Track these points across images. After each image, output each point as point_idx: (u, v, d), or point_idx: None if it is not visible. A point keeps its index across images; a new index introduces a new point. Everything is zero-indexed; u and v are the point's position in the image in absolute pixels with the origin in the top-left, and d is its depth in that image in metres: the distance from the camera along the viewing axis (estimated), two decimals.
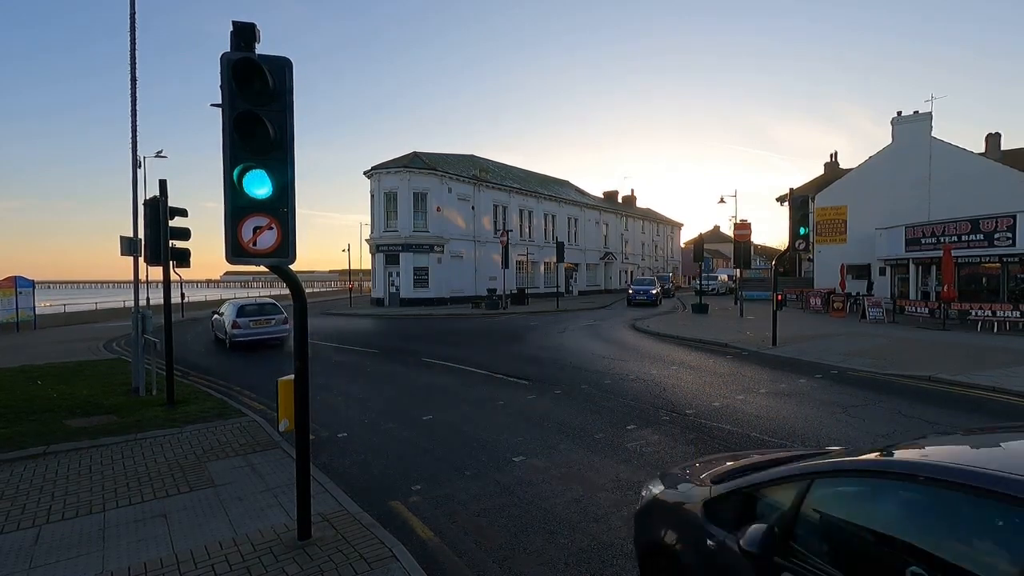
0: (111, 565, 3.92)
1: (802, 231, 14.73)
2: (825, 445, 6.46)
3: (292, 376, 4.17)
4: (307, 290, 4.70)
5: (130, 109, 9.22)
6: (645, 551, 3.24)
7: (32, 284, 26.54)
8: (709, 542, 2.64)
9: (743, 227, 26.49)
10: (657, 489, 3.30)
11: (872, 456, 2.27)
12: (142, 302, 10.90)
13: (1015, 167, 26.48)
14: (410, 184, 33.99)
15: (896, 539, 2.03)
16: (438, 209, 34.64)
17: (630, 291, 33.85)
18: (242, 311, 16.44)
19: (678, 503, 3.03)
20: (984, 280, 21.65)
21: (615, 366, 12.01)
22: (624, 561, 4.03)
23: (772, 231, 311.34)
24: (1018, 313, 17.20)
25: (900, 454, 2.21)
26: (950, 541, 1.83)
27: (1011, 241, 19.53)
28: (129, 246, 9.59)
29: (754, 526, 2.31)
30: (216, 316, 18.56)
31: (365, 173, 35.44)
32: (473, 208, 37.49)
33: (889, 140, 28.93)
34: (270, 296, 23.74)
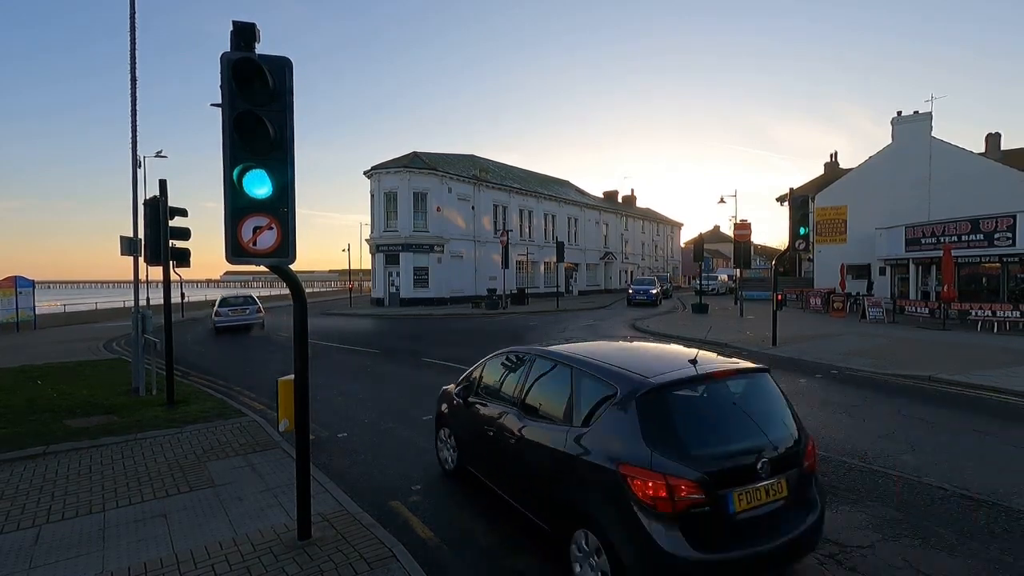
0: (111, 565, 3.93)
1: (802, 231, 14.73)
2: (825, 444, 6.48)
3: (292, 376, 4.17)
4: (307, 290, 4.71)
5: (130, 109, 9.22)
6: (437, 416, 6.11)
7: (32, 284, 26.51)
8: (455, 401, 5.52)
9: (743, 227, 26.50)
10: (445, 386, 6.22)
11: (507, 349, 5.26)
12: (142, 302, 10.89)
13: (1015, 167, 26.49)
14: (410, 184, 33.98)
15: (511, 382, 4.77)
16: (438, 209, 34.64)
17: (630, 291, 33.83)
18: (223, 302, 21.94)
19: (449, 389, 5.94)
20: (984, 280, 21.65)
21: None
22: None
23: (772, 231, 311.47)
24: (1018, 313, 17.20)
25: (532, 347, 4.95)
26: (542, 387, 4.40)
27: (1011, 241, 19.54)
28: (129, 246, 9.58)
29: (462, 386, 5.50)
30: (212, 309, 23.54)
31: (365, 173, 35.43)
32: (473, 208, 37.48)
33: (889, 140, 28.94)
34: (268, 296, 27.55)
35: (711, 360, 3.98)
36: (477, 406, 5.12)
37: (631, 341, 5.29)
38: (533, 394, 4.43)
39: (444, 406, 5.90)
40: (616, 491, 3.29)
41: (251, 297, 23.21)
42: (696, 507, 3.13)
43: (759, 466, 3.31)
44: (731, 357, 4.29)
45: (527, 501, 4.30)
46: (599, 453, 3.47)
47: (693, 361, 3.80)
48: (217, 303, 22.13)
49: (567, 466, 3.70)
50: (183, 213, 9.25)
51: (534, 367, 4.58)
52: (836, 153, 41.28)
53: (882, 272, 27.81)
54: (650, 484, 3.14)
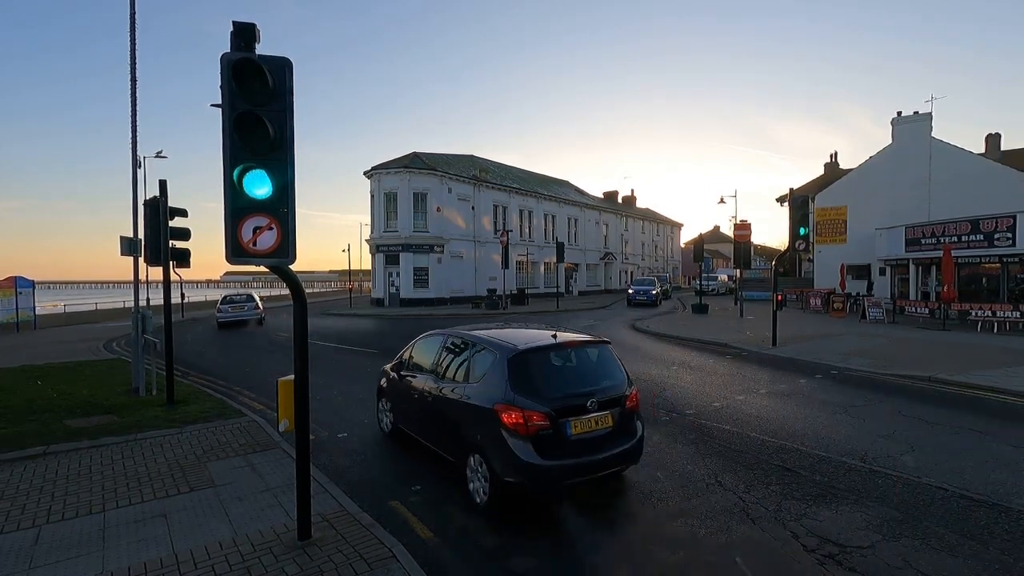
0: (111, 565, 3.93)
1: (802, 231, 14.73)
2: (825, 445, 6.49)
3: (292, 376, 4.17)
4: (307, 290, 4.72)
5: (130, 109, 9.23)
6: (377, 390, 7.40)
7: (32, 284, 26.51)
8: (391, 376, 6.84)
9: (743, 227, 26.50)
10: (385, 365, 7.33)
11: (429, 332, 6.72)
12: (142, 302, 10.89)
13: (1015, 167, 26.47)
14: (410, 184, 33.98)
15: (430, 357, 6.17)
16: (438, 209, 34.63)
17: (630, 291, 33.83)
18: (224, 300, 24.72)
19: (387, 368, 7.15)
20: (984, 280, 21.64)
21: None
22: (623, 561, 4.03)
23: (772, 231, 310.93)
24: (1018, 313, 17.20)
25: (447, 330, 6.39)
26: (449, 359, 5.85)
27: (1011, 241, 19.53)
28: (129, 246, 9.58)
29: (395, 363, 6.91)
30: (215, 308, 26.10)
31: (365, 173, 35.43)
32: (473, 208, 37.48)
33: (889, 140, 28.92)
34: (268, 296, 29.41)
35: (566, 336, 5.55)
36: (407, 378, 6.46)
37: (530, 328, 6.29)
38: (445, 364, 5.90)
39: (383, 381, 7.24)
40: (493, 423, 4.71)
41: (251, 296, 25.93)
42: (544, 431, 4.61)
43: (589, 404, 4.83)
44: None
45: (439, 442, 5.80)
46: (484, 399, 4.92)
47: (554, 336, 5.46)
48: (220, 301, 24.85)
49: (465, 412, 5.17)
50: (183, 213, 9.25)
51: (447, 344, 6.06)
52: (836, 153, 41.30)
53: (882, 272, 27.80)
54: (513, 415, 4.59)
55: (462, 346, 5.77)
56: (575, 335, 5.68)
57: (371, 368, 12.40)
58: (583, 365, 5.37)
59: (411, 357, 6.65)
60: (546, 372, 5.09)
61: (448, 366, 5.81)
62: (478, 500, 4.94)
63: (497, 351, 5.13)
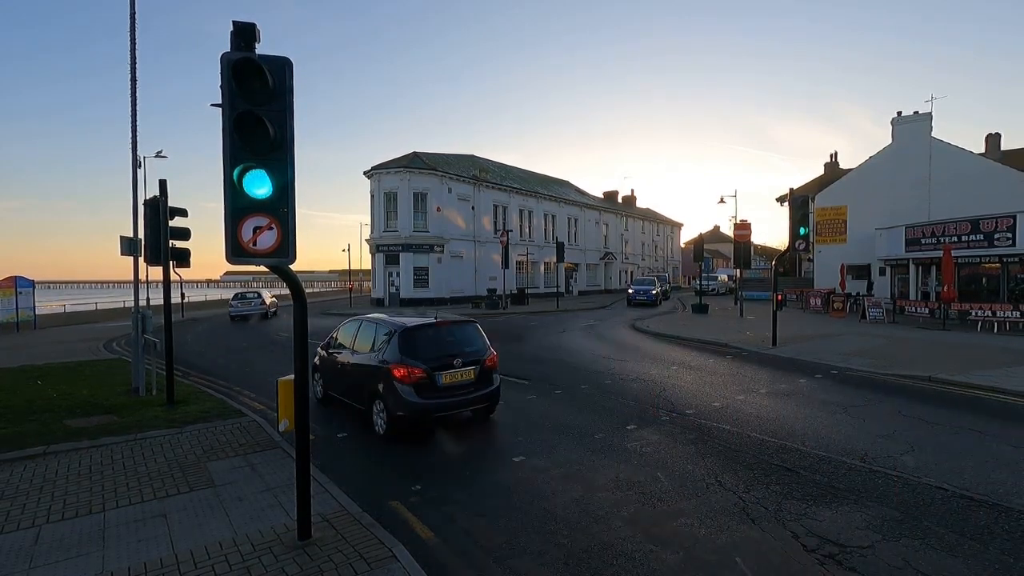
0: (111, 565, 3.93)
1: (802, 231, 14.73)
2: (825, 445, 6.49)
3: (292, 376, 4.17)
4: (307, 290, 4.74)
5: (130, 109, 9.22)
6: (312, 367, 8.66)
7: (32, 284, 26.49)
8: (322, 354, 8.78)
9: (743, 227, 26.49)
10: (318, 347, 8.91)
11: (352, 317, 8.69)
12: (142, 302, 10.89)
13: (1015, 167, 26.46)
14: (410, 184, 33.98)
15: (349, 336, 8.19)
16: (438, 209, 34.63)
17: (630, 291, 33.83)
18: (235, 296, 29.25)
19: (318, 348, 8.88)
20: (984, 280, 21.64)
21: (615, 366, 12.01)
22: (623, 561, 4.03)
23: (772, 231, 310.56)
24: (1018, 313, 17.20)
25: (362, 316, 8.45)
26: (362, 337, 7.89)
27: (1011, 241, 19.52)
28: (129, 246, 9.58)
29: (325, 343, 8.83)
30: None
31: (365, 173, 35.43)
32: (473, 208, 37.48)
33: (889, 140, 28.91)
34: (270, 296, 31.32)
35: (445, 316, 7.86)
36: (334, 354, 8.33)
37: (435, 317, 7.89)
38: (359, 340, 7.84)
39: (317, 359, 8.93)
40: (388, 377, 6.71)
41: (258, 293, 30.03)
42: (422, 380, 6.66)
43: (455, 362, 6.94)
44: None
45: (354, 397, 7.76)
46: (383, 362, 6.90)
47: (435, 318, 7.62)
48: (232, 297, 29.55)
49: (371, 371, 7.13)
50: (183, 213, 9.25)
51: (361, 326, 8.00)
52: (836, 153, 41.25)
53: (882, 272, 27.79)
54: (401, 371, 6.64)
55: (371, 327, 7.69)
56: (450, 317, 7.93)
57: None
58: (454, 337, 7.38)
59: (336, 338, 8.49)
60: (426, 342, 7.06)
61: (360, 341, 7.77)
62: (380, 432, 6.93)
63: (393, 328, 7.13)
